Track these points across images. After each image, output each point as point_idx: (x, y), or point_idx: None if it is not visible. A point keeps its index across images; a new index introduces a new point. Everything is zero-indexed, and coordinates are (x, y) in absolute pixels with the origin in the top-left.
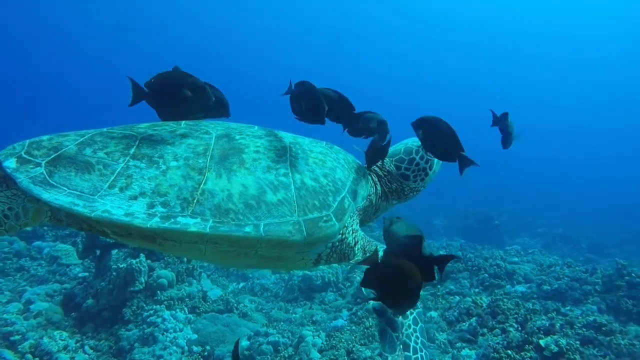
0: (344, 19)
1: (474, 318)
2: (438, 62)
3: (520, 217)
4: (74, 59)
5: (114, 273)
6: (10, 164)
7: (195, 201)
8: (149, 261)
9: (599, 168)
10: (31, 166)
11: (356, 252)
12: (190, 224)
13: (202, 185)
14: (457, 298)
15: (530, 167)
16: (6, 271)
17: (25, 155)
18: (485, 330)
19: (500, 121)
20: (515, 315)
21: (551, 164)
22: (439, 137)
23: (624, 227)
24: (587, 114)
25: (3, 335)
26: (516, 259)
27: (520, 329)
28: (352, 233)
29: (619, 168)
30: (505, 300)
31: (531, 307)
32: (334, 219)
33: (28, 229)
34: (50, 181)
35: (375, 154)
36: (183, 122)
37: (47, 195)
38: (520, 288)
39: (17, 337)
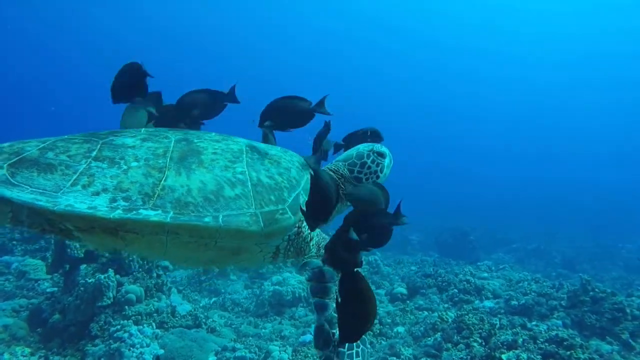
0: (345, 18)
1: (439, 333)
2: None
3: (495, 233)
4: (51, 64)
5: (82, 288)
6: None
7: (156, 195)
8: (117, 276)
9: (576, 184)
10: None
11: (311, 247)
12: (152, 214)
13: (162, 182)
14: (426, 313)
15: (507, 183)
16: None
17: None
18: (449, 345)
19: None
20: (480, 331)
21: (527, 180)
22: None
23: (597, 241)
24: (564, 131)
25: None
26: (486, 274)
27: (484, 344)
28: (308, 228)
29: (596, 184)
30: (470, 315)
31: (498, 322)
32: (289, 212)
33: None
34: (12, 181)
35: (319, 138)
36: (143, 128)
37: (9, 193)
38: (488, 303)
39: None
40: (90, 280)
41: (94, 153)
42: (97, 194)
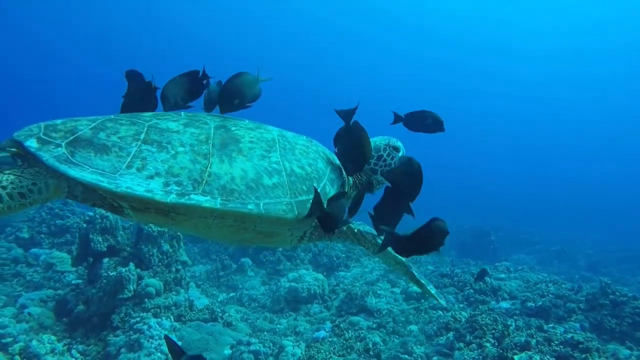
0: (343, 18)
1: (452, 332)
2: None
3: (517, 233)
4: (53, 65)
5: (104, 281)
6: (32, 143)
7: (204, 182)
8: (138, 270)
9: (602, 185)
10: (52, 146)
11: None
12: (202, 200)
13: (208, 169)
14: (440, 313)
15: (530, 182)
16: (4, 276)
17: (44, 137)
18: (462, 344)
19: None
20: (493, 331)
21: (552, 179)
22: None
23: (624, 245)
24: (589, 129)
25: None
26: (503, 275)
27: (496, 344)
28: None
29: (623, 186)
30: (483, 315)
31: (513, 323)
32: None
33: (25, 235)
34: (73, 160)
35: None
36: (182, 112)
37: (73, 172)
38: (504, 304)
39: (8, 339)
40: (112, 274)
41: (142, 136)
42: (152, 177)
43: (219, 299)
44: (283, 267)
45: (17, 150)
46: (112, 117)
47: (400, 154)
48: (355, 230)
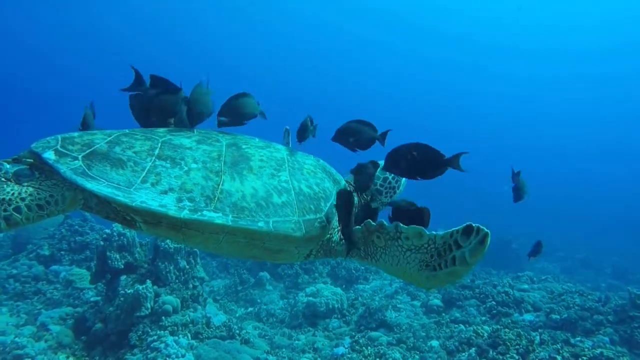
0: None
1: (474, 348)
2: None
3: (542, 239)
4: (50, 67)
5: (122, 298)
6: (50, 155)
7: (216, 199)
8: (155, 287)
9: (625, 188)
10: (69, 159)
11: (338, 250)
12: (215, 217)
13: (220, 186)
14: (462, 327)
15: (549, 187)
16: (25, 294)
17: (61, 149)
18: None
19: (514, 178)
20: (517, 346)
21: (573, 184)
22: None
23: None
24: (613, 130)
25: (14, 358)
26: (526, 286)
27: None
28: (338, 233)
29: None
30: (506, 330)
31: (538, 337)
32: (325, 221)
33: (46, 252)
34: (90, 173)
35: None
36: (194, 129)
37: (90, 185)
38: (528, 317)
39: None
40: (129, 291)
41: (157, 151)
42: (165, 192)
43: (237, 314)
44: (301, 281)
45: (33, 162)
46: (127, 131)
47: (404, 179)
48: (373, 225)
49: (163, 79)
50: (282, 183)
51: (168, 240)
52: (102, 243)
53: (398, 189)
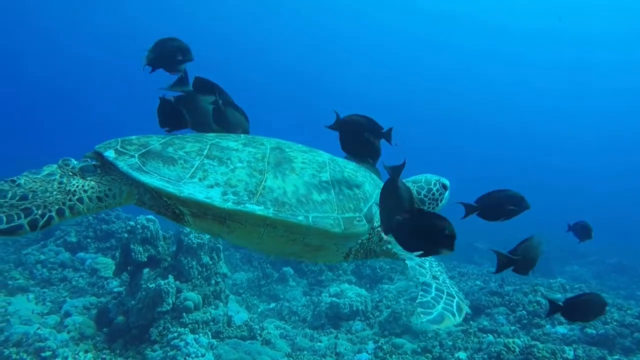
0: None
1: None
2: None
3: (566, 243)
4: (76, 64)
5: (144, 293)
6: (110, 154)
7: (258, 193)
8: (177, 282)
9: None
10: (127, 157)
11: (378, 251)
12: (256, 209)
13: (263, 183)
14: (490, 337)
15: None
16: (51, 281)
17: (120, 149)
18: None
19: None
20: None
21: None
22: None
23: None
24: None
25: (35, 351)
26: (559, 295)
27: None
28: (377, 234)
29: None
30: (540, 346)
31: (572, 353)
32: (364, 220)
33: (73, 239)
34: (144, 169)
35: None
36: (242, 134)
37: (143, 178)
38: (561, 329)
39: (47, 353)
40: (151, 285)
41: (205, 152)
42: (212, 186)
43: (259, 310)
44: (325, 278)
45: (97, 160)
46: (180, 135)
47: (447, 194)
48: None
49: (208, 82)
50: (322, 183)
51: (191, 235)
52: (125, 235)
53: (441, 202)
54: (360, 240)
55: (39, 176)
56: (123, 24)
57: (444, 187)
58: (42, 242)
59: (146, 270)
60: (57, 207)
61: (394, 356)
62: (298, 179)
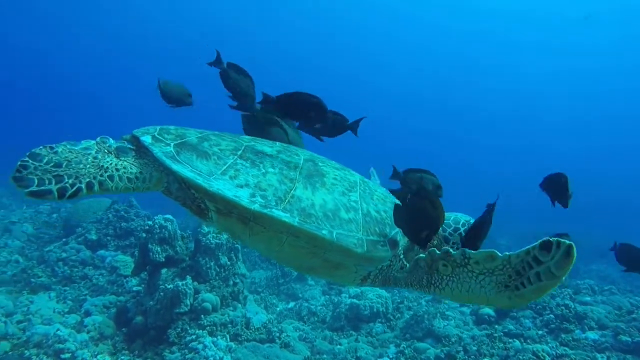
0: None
1: None
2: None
3: (591, 240)
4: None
5: (162, 293)
6: (147, 139)
7: (286, 201)
8: (195, 283)
9: None
10: (163, 145)
11: (399, 277)
12: (282, 215)
13: (292, 191)
14: (517, 342)
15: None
16: (72, 278)
17: (157, 136)
18: None
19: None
20: None
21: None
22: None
23: None
24: None
25: (55, 352)
26: (588, 298)
27: None
28: (399, 262)
29: None
30: (572, 357)
31: None
32: (388, 246)
33: (93, 237)
34: (178, 158)
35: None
36: (277, 142)
37: (175, 167)
38: (592, 335)
39: (67, 355)
40: (169, 286)
41: (240, 152)
42: (241, 186)
43: (277, 309)
44: None
45: (132, 147)
46: (217, 132)
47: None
48: (438, 253)
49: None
50: (351, 202)
51: (209, 236)
52: (143, 235)
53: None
54: (380, 266)
55: (76, 148)
56: (131, 19)
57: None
58: (63, 240)
59: (164, 270)
60: (87, 179)
61: None
62: (327, 193)
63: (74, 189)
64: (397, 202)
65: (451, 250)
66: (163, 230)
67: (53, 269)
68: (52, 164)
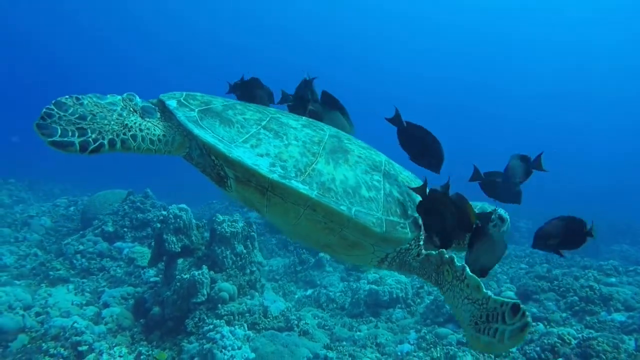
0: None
1: (560, 359)
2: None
3: (616, 220)
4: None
5: (178, 283)
6: (172, 103)
7: (306, 174)
8: (211, 272)
9: None
10: (187, 110)
11: (414, 265)
12: (300, 187)
13: (313, 165)
14: (541, 325)
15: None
16: (90, 270)
17: (183, 101)
18: None
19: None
20: None
21: None
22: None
23: None
24: None
25: (72, 345)
26: (613, 279)
27: None
28: (417, 247)
29: None
30: (600, 339)
31: (634, 343)
32: (408, 228)
33: (110, 229)
34: (200, 123)
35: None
36: (303, 117)
37: (197, 131)
38: (618, 317)
39: (84, 347)
40: (185, 276)
41: (264, 123)
42: (262, 155)
43: (296, 296)
44: None
45: (159, 107)
46: (243, 103)
47: (504, 227)
48: (447, 257)
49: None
50: (374, 181)
51: (225, 225)
52: (158, 225)
53: (500, 230)
54: (399, 249)
55: (102, 102)
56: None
57: (501, 219)
58: (81, 232)
59: (180, 260)
60: (110, 136)
61: (437, 347)
62: (350, 170)
63: (97, 144)
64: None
65: (456, 260)
66: (178, 219)
67: (71, 262)
68: (76, 116)
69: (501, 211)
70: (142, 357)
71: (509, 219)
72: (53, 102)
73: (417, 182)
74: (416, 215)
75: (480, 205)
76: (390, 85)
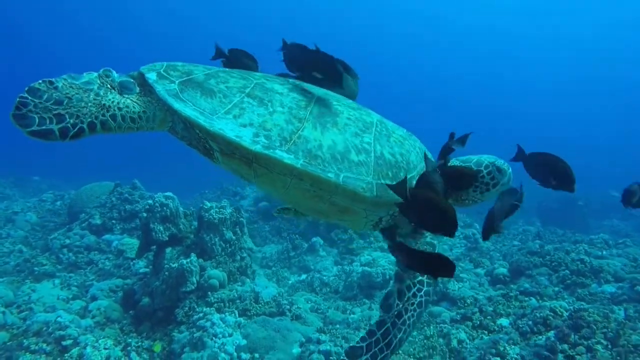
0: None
1: (553, 331)
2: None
3: (605, 195)
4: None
5: (167, 273)
6: (152, 76)
7: (292, 142)
8: (200, 260)
9: None
10: (167, 82)
11: (402, 233)
12: (285, 157)
13: (299, 131)
14: (533, 300)
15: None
16: (78, 264)
17: (163, 73)
18: (566, 347)
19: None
20: (604, 330)
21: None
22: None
23: None
24: None
25: (56, 340)
26: (604, 252)
27: (610, 347)
28: None
29: None
30: (590, 310)
31: (623, 312)
32: None
33: (97, 222)
34: (181, 96)
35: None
36: (290, 79)
37: (177, 105)
38: (608, 288)
39: (69, 341)
40: (174, 265)
41: (248, 90)
42: (244, 126)
43: (289, 282)
44: (356, 246)
45: (139, 80)
46: (227, 69)
47: (504, 179)
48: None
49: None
50: (363, 143)
51: (212, 211)
52: (144, 214)
53: (493, 188)
54: (392, 212)
55: (77, 82)
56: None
57: (499, 170)
58: (67, 227)
59: (168, 249)
60: (89, 119)
61: (431, 326)
62: (338, 134)
63: (76, 129)
64: (417, 145)
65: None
66: (164, 208)
67: (57, 256)
68: (52, 102)
69: (499, 162)
70: (129, 348)
71: (509, 171)
72: (26, 89)
73: (411, 140)
74: (412, 175)
75: (476, 159)
76: (392, 80)
